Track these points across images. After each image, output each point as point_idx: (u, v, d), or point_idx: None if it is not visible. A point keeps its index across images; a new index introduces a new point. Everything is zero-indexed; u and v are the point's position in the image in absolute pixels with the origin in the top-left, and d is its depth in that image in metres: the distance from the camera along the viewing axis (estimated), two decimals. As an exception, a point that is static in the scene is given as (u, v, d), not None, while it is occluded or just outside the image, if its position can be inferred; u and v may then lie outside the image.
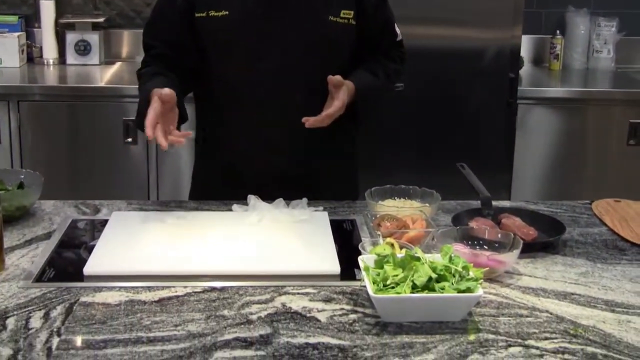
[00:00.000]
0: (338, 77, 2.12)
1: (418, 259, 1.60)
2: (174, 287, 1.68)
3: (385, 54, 2.39)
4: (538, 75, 4.24)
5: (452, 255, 1.64)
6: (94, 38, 4.19)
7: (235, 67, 2.24)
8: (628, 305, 1.67)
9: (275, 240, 1.89)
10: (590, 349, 1.48)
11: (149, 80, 2.14)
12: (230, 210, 2.09)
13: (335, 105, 2.11)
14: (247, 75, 2.23)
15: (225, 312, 1.58)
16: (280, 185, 2.21)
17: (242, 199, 2.11)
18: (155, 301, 1.62)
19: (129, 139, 3.73)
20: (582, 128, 3.92)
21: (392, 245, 1.77)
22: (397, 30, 2.41)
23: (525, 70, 4.27)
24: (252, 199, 2.07)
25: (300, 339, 1.48)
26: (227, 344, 1.46)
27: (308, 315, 1.57)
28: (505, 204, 2.29)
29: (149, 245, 1.85)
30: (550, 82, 4.16)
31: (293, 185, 2.22)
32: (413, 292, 1.55)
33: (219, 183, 2.36)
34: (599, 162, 3.95)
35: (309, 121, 2.08)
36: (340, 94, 2.13)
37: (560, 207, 2.27)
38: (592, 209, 2.24)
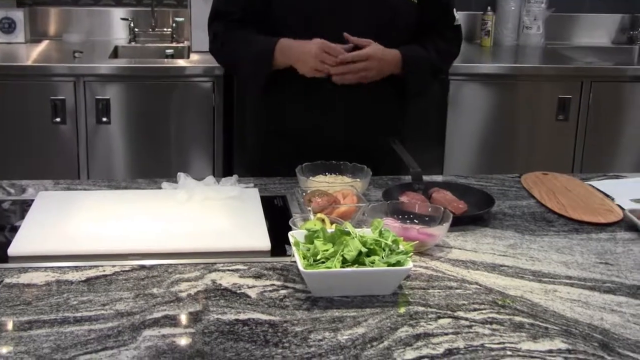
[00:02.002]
0: (359, 39, 2.20)
1: (348, 233, 1.61)
2: (101, 266, 1.65)
3: (440, 35, 2.40)
4: (469, 51, 4.27)
5: (382, 229, 1.65)
6: (18, 15, 4.10)
7: (297, 37, 2.25)
8: (554, 275, 1.70)
9: (204, 218, 1.88)
10: (517, 319, 1.50)
11: (250, 38, 2.26)
12: (160, 188, 2.07)
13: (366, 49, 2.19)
14: None
15: (154, 291, 1.56)
16: (331, 154, 2.19)
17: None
18: (82, 281, 1.59)
19: (58, 119, 3.67)
20: (512, 103, 3.97)
21: (322, 220, 1.77)
22: (456, 14, 2.42)
23: (457, 47, 4.29)
24: (182, 176, 2.06)
25: (230, 316, 1.47)
26: (156, 322, 1.45)
27: (238, 291, 1.57)
28: (437, 178, 2.31)
29: (76, 225, 1.82)
30: (481, 58, 4.20)
31: (342, 155, 2.20)
32: (343, 267, 1.55)
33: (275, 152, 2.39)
34: (529, 137, 4.01)
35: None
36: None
37: (490, 180, 2.29)
38: (521, 182, 2.27)
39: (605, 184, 2.28)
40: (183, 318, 1.46)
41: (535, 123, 3.99)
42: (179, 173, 2.07)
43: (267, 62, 2.25)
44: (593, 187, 2.24)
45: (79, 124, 3.70)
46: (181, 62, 3.87)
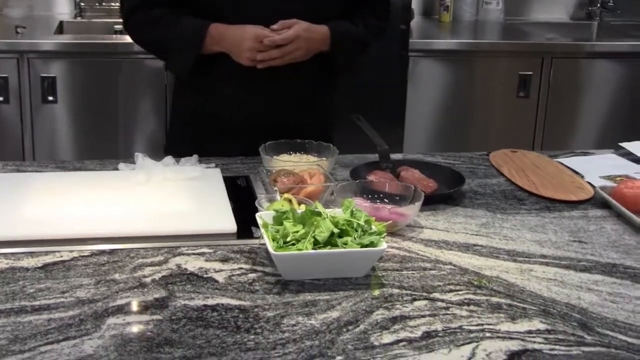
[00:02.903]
0: (284, 21, 2.17)
1: (319, 214, 1.58)
2: (58, 251, 1.61)
3: (371, 10, 2.38)
4: (428, 27, 4.27)
5: (354, 209, 1.62)
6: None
7: (224, 16, 2.21)
8: (529, 254, 1.69)
9: (165, 200, 1.84)
10: (494, 299, 1.49)
11: (178, 20, 2.21)
12: (116, 169, 2.02)
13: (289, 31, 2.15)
14: (236, 23, 2.20)
15: (117, 276, 1.52)
16: (258, 134, 2.16)
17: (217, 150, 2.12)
18: (38, 267, 1.55)
19: (0, 98, 3.58)
20: (472, 80, 3.98)
21: (290, 201, 1.74)
22: None
23: (416, 23, 4.29)
24: (139, 157, 2.01)
25: (198, 301, 1.44)
26: (120, 310, 1.41)
27: (205, 276, 1.53)
28: (405, 156, 2.29)
29: (29, 209, 1.77)
30: (440, 34, 4.20)
31: (269, 134, 2.16)
32: (315, 249, 1.52)
33: (198, 130, 2.35)
34: (489, 114, 4.02)
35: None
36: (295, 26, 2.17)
37: (458, 158, 2.28)
38: (490, 160, 2.26)
39: (573, 161, 2.29)
40: (149, 304, 1.43)
41: (496, 100, 4.00)
42: (136, 153, 2.03)
43: (196, 46, 2.20)
44: (562, 164, 2.24)
45: (23, 104, 3.61)
46: (130, 39, 3.79)
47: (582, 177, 2.15)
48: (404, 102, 3.81)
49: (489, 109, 3.99)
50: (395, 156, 2.17)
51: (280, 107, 2.31)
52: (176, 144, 2.39)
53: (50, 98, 3.62)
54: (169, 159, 2.03)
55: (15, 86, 3.59)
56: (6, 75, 3.57)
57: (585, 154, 2.38)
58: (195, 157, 2.07)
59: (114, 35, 4.01)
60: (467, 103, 3.97)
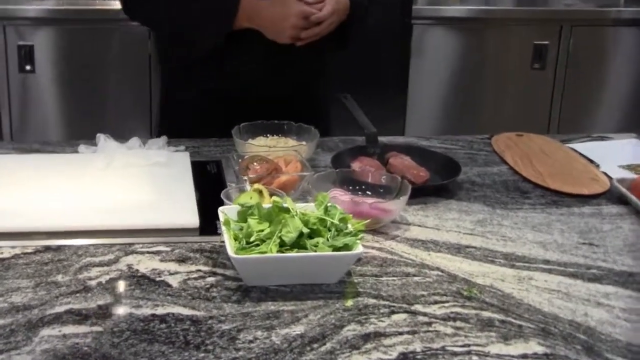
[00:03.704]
0: None
1: (287, 210, 1.46)
2: (-2, 247, 1.50)
3: None
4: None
5: (328, 205, 1.50)
6: None
7: None
8: (530, 258, 1.57)
9: (124, 188, 1.73)
10: (485, 314, 1.37)
11: None
12: (76, 152, 1.91)
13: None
14: None
15: (59, 278, 1.41)
16: (263, 106, 2.07)
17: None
18: (-28, 266, 1.44)
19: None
20: (483, 51, 3.84)
21: (260, 192, 1.63)
22: None
23: (421, -14, 4.14)
24: (101, 138, 1.90)
25: (146, 310, 1.33)
26: (57, 319, 1.30)
27: (157, 279, 1.43)
28: (399, 139, 2.17)
29: (-30, 196, 1.66)
30: (448, -1, 4.05)
31: (274, 107, 2.07)
32: (281, 251, 1.41)
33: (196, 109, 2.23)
34: (501, 89, 3.88)
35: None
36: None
37: (456, 142, 2.16)
38: (492, 145, 2.14)
39: (588, 147, 2.16)
40: (90, 313, 1.32)
41: (508, 73, 3.86)
42: (98, 134, 1.92)
43: (228, 22, 2.07)
44: (575, 150, 2.12)
45: (-1, 72, 3.52)
46: (114, 4, 3.66)
47: (597, 166, 2.02)
48: (407, 75, 3.68)
49: (500, 83, 3.86)
50: (385, 139, 2.05)
51: (295, 83, 2.19)
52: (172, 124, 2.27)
53: (28, 67, 3.52)
54: (134, 141, 1.92)
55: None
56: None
57: (603, 138, 2.25)
58: (163, 138, 1.95)
59: (97, 1, 3.88)
60: (477, 76, 3.84)
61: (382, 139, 2.06)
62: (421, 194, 1.79)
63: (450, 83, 3.81)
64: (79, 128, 3.46)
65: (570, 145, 2.16)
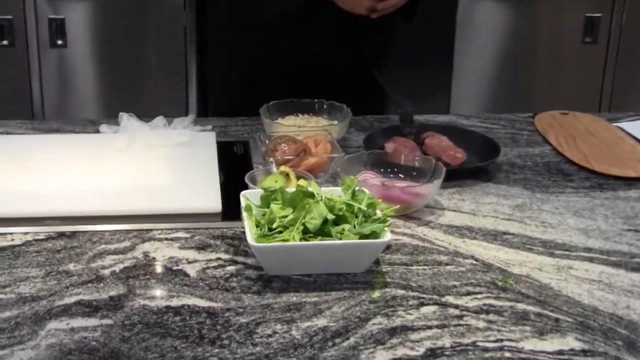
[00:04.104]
0: None
1: (312, 195, 1.40)
2: (10, 233, 1.46)
3: None
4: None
5: (356, 189, 1.44)
6: None
7: None
8: (570, 246, 1.50)
9: (144, 171, 1.68)
10: (521, 306, 1.31)
11: None
12: (97, 132, 1.86)
13: None
14: None
15: (71, 267, 1.37)
16: (320, 81, 2.03)
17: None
18: (-17, 253, 1.40)
19: (5, 42, 3.48)
20: (530, 24, 3.73)
21: (287, 175, 1.57)
22: None
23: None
24: (124, 117, 1.85)
25: (161, 301, 1.28)
26: (65, 311, 1.25)
27: (174, 268, 1.37)
28: (437, 118, 2.10)
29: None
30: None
31: (330, 81, 2.04)
32: (304, 239, 1.35)
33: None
34: (550, 64, 3.77)
35: None
36: None
37: (498, 121, 2.09)
38: (535, 124, 2.06)
39: (637, 126, 2.06)
40: (101, 304, 1.27)
41: (558, 47, 3.74)
42: (120, 113, 1.87)
43: None
44: (623, 130, 2.03)
45: (30, 47, 3.47)
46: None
47: (646, 146, 1.93)
48: (451, 51, 3.58)
49: (549, 58, 3.75)
50: (422, 118, 1.98)
51: (357, 51, 2.15)
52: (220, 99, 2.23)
53: (60, 42, 3.47)
54: (158, 120, 1.87)
55: (21, 28, 3.45)
56: (10, 16, 3.43)
57: (655, 117, 2.15)
58: (190, 117, 1.90)
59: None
60: (525, 51, 3.73)
61: (420, 117, 1.99)
62: (457, 177, 1.72)
63: (496, 58, 3.71)
64: (114, 105, 3.40)
65: (618, 124, 2.08)
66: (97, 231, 1.48)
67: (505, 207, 1.64)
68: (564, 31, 3.73)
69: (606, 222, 1.59)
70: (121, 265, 1.38)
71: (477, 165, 1.77)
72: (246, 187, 1.52)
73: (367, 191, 1.45)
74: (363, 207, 1.40)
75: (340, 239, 1.35)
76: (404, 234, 1.52)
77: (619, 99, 3.76)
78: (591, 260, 1.45)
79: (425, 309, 1.29)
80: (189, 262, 1.39)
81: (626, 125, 2.07)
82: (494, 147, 1.83)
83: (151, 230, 1.49)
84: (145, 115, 1.93)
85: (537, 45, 3.75)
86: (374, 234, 1.37)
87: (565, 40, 3.74)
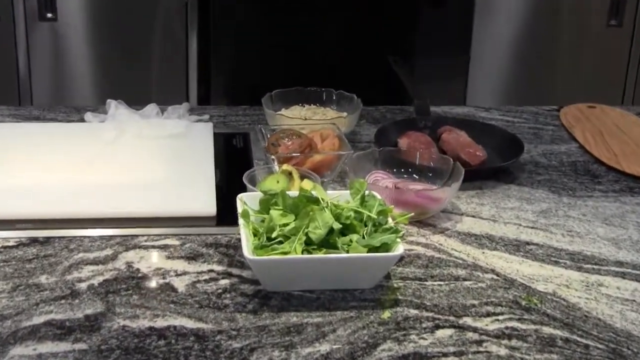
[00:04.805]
0: None
1: (316, 201, 1.28)
2: (-24, 239, 1.34)
3: None
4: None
5: (366, 193, 1.32)
6: None
7: None
8: (600, 259, 1.39)
9: (131, 167, 1.57)
10: (546, 330, 1.19)
11: None
12: (82, 120, 1.74)
13: None
14: None
15: (43, 279, 1.25)
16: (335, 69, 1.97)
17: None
18: (-56, 261, 1.29)
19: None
20: (553, 6, 3.59)
21: (290, 174, 1.45)
22: None
23: None
24: (112, 104, 1.74)
25: (144, 322, 1.17)
26: (33, 333, 1.14)
27: (161, 281, 1.26)
28: (455, 110, 1.99)
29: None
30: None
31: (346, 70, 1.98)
32: (307, 250, 1.23)
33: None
34: (572, 49, 3.63)
35: None
36: None
37: (520, 115, 1.97)
38: (560, 118, 1.94)
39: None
40: (75, 325, 1.15)
41: (581, 31, 3.60)
42: (108, 100, 1.75)
43: None
44: (654, 125, 1.91)
45: (16, 20, 3.34)
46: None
47: (679, 145, 1.82)
48: (469, 37, 3.44)
49: (571, 42, 3.60)
50: (439, 109, 1.86)
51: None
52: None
53: (49, 15, 3.34)
54: (151, 108, 1.76)
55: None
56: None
57: (687, 111, 2.03)
58: (185, 105, 1.79)
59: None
60: (547, 35, 3.58)
61: (437, 109, 1.87)
62: (477, 177, 1.60)
63: (518, 43, 3.56)
64: (108, 87, 3.28)
65: (649, 117, 1.96)
66: (74, 237, 1.36)
67: (529, 213, 1.52)
68: (589, 13, 3.59)
69: (638, 231, 1.49)
70: (100, 278, 1.26)
71: (499, 166, 1.66)
72: (244, 188, 1.40)
73: (378, 196, 1.33)
74: (373, 215, 1.28)
75: (347, 251, 1.24)
76: (418, 243, 1.40)
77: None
78: (623, 276, 1.35)
79: (440, 333, 1.18)
80: (177, 275, 1.28)
81: (657, 120, 1.96)
82: (517, 143, 1.72)
83: (136, 236, 1.37)
84: (143, 100, 1.83)
85: (560, 29, 3.60)
86: (385, 246, 1.25)
87: (589, 24, 3.60)
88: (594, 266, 1.37)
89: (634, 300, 1.28)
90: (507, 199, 1.57)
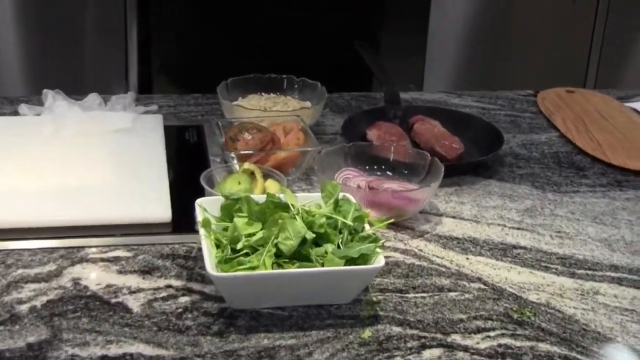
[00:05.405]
0: None
1: (286, 206, 1.19)
2: None
3: None
4: None
5: (340, 197, 1.23)
6: None
7: None
8: (593, 263, 1.32)
9: (73, 167, 1.46)
10: (543, 347, 1.12)
11: None
12: (16, 113, 1.62)
13: None
14: None
15: (-24, 301, 1.15)
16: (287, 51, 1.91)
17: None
18: None
19: None
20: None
21: (252, 174, 1.35)
22: None
23: None
24: (49, 95, 1.64)
25: (94, 349, 1.07)
26: (-31, 365, 1.03)
27: (113, 301, 1.16)
28: (425, 96, 1.92)
29: None
30: None
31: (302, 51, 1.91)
32: (277, 264, 1.14)
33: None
34: (532, 32, 3.56)
35: None
36: None
37: (495, 101, 1.90)
38: (538, 104, 1.87)
39: (653, 108, 1.89)
40: (16, 356, 1.05)
41: (542, 10, 3.54)
42: (44, 90, 1.64)
43: None
44: (638, 112, 1.84)
45: None
46: None
47: (667, 133, 1.76)
48: (427, 15, 3.36)
49: (531, 24, 3.54)
50: (408, 96, 1.79)
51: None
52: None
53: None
54: (92, 98, 1.66)
55: None
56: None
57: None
58: (130, 95, 1.68)
59: None
60: (504, 14, 3.52)
61: (405, 95, 1.79)
62: (455, 173, 1.52)
63: (479, 23, 3.50)
64: (39, 74, 3.14)
65: (630, 103, 1.90)
66: (12, 250, 1.26)
67: (513, 212, 1.45)
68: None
69: (631, 230, 1.43)
70: (44, 299, 1.15)
71: (479, 160, 1.58)
72: (201, 189, 1.31)
73: (352, 199, 1.24)
74: (349, 221, 1.19)
75: (323, 264, 1.15)
76: (396, 249, 1.32)
77: (605, 73, 3.56)
78: (620, 282, 1.29)
79: (428, 354, 1.10)
80: (131, 292, 1.18)
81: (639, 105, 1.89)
82: (495, 134, 1.66)
83: (82, 247, 1.27)
84: (79, 89, 1.74)
85: (516, 10, 3.54)
86: (364, 257, 1.16)
87: (551, 2, 3.55)
88: (588, 272, 1.30)
89: (633, 310, 1.22)
90: (488, 197, 1.50)
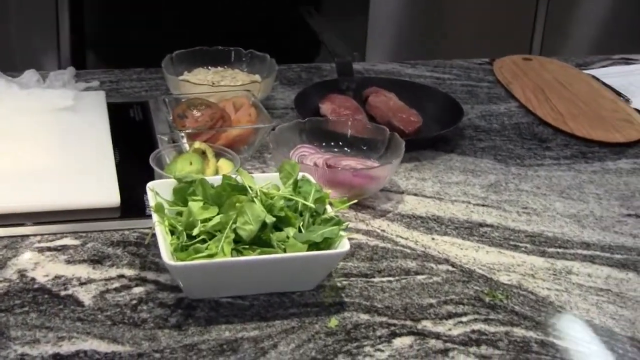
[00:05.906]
0: None
1: (243, 189, 1.15)
2: None
3: None
4: None
5: (299, 178, 1.20)
6: None
7: None
8: (564, 241, 1.31)
9: (12, 149, 1.39)
10: (518, 332, 1.10)
11: None
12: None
13: None
14: None
15: None
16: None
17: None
18: None
19: None
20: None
21: (203, 153, 1.31)
22: None
23: None
24: (-16, 71, 1.56)
25: (45, 347, 1.03)
26: None
27: (63, 293, 1.12)
28: (378, 67, 1.88)
29: None
30: None
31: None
32: (237, 249, 1.10)
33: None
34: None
35: None
36: None
37: (450, 70, 1.88)
38: (495, 73, 1.84)
39: (612, 74, 1.87)
40: (-39, 354, 1.00)
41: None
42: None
43: None
44: (597, 79, 1.83)
45: None
46: None
47: (628, 100, 1.75)
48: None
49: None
50: (360, 67, 1.76)
51: None
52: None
53: None
54: (29, 75, 1.61)
55: None
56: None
57: (628, 61, 1.96)
58: (70, 70, 1.63)
59: None
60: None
61: (357, 66, 1.76)
62: (414, 147, 1.49)
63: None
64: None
65: (589, 71, 1.88)
66: (-50, 240, 1.20)
67: (477, 188, 1.43)
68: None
69: (600, 205, 1.41)
70: (-12, 292, 1.11)
71: (440, 134, 1.55)
72: (150, 170, 1.26)
73: (312, 180, 1.20)
74: (310, 204, 1.16)
75: (285, 250, 1.11)
76: (358, 231, 1.29)
77: (552, 35, 3.55)
78: (592, 260, 1.27)
79: (398, 342, 1.07)
80: (81, 284, 1.13)
81: (598, 73, 1.88)
82: (454, 105, 1.64)
83: (27, 236, 1.22)
84: (6, 64, 1.65)
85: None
86: (327, 241, 1.13)
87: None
88: (559, 250, 1.28)
89: (609, 290, 1.20)
90: (450, 172, 1.47)
